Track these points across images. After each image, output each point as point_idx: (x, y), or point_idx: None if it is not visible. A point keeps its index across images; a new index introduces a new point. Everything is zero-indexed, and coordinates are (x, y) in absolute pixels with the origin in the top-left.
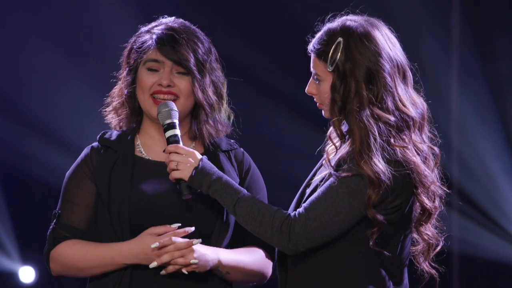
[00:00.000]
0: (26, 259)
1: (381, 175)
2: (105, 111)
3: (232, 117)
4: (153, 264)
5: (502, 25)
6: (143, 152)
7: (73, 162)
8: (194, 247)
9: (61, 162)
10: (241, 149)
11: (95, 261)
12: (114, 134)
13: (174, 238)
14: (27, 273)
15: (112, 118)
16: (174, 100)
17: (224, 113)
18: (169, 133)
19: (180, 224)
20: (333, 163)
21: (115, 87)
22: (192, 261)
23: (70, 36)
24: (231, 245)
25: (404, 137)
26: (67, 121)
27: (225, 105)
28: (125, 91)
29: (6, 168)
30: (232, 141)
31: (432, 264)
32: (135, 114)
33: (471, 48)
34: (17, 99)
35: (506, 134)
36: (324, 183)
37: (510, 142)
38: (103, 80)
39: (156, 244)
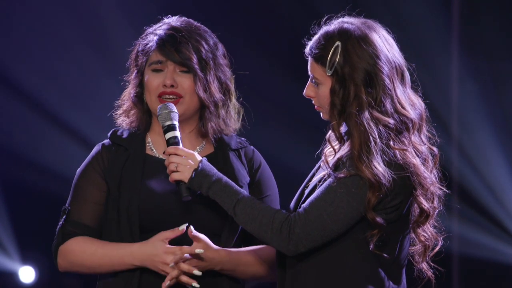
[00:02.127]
0: (26, 259)
1: (381, 178)
2: (116, 114)
3: (241, 112)
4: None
5: (503, 24)
6: (154, 150)
7: (72, 163)
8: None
9: (61, 162)
10: (251, 147)
11: (103, 260)
12: (125, 132)
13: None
14: (27, 273)
15: (122, 121)
16: (178, 100)
17: (233, 108)
18: (169, 135)
19: (187, 224)
20: (331, 164)
21: (125, 90)
22: (197, 250)
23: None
24: (240, 242)
25: (404, 139)
26: (67, 121)
27: (233, 100)
28: (133, 93)
29: (6, 168)
30: (242, 139)
31: (431, 264)
32: (144, 115)
33: (471, 48)
34: (17, 98)
35: (507, 134)
36: (322, 183)
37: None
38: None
39: (172, 264)
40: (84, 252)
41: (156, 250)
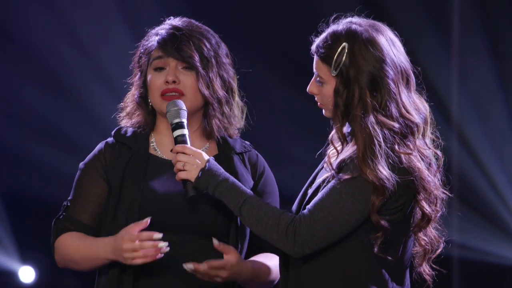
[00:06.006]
0: (26, 259)
1: (386, 182)
2: (119, 116)
3: (245, 111)
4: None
5: (503, 24)
6: (157, 150)
7: (71, 161)
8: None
9: (60, 161)
10: (255, 151)
11: (84, 253)
12: (129, 130)
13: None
14: (27, 273)
15: (126, 123)
16: (180, 97)
17: (236, 106)
18: (177, 132)
19: (151, 217)
20: (335, 166)
21: (128, 93)
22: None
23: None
24: (248, 246)
25: (409, 143)
26: (66, 120)
27: (236, 98)
28: (137, 94)
29: (5, 167)
30: (247, 143)
31: (433, 266)
32: (149, 116)
33: (471, 47)
34: (17, 97)
35: (507, 134)
36: (326, 185)
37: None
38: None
39: (190, 266)
40: (69, 245)
41: (119, 245)
